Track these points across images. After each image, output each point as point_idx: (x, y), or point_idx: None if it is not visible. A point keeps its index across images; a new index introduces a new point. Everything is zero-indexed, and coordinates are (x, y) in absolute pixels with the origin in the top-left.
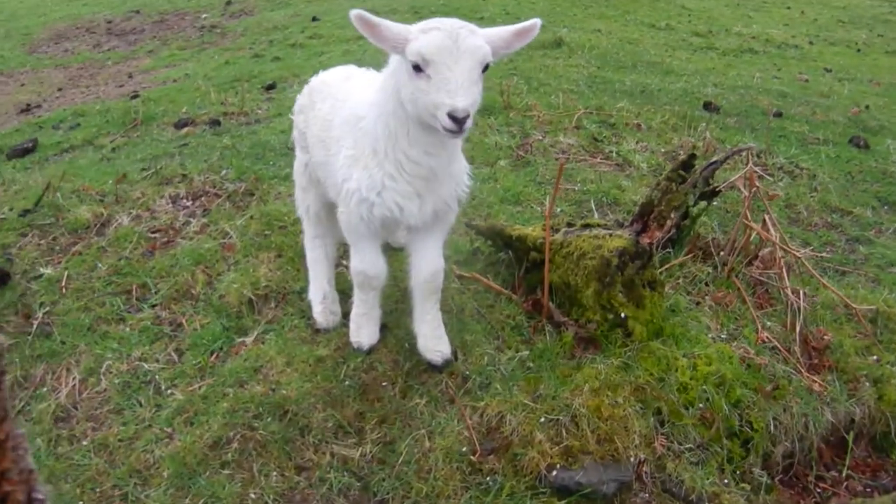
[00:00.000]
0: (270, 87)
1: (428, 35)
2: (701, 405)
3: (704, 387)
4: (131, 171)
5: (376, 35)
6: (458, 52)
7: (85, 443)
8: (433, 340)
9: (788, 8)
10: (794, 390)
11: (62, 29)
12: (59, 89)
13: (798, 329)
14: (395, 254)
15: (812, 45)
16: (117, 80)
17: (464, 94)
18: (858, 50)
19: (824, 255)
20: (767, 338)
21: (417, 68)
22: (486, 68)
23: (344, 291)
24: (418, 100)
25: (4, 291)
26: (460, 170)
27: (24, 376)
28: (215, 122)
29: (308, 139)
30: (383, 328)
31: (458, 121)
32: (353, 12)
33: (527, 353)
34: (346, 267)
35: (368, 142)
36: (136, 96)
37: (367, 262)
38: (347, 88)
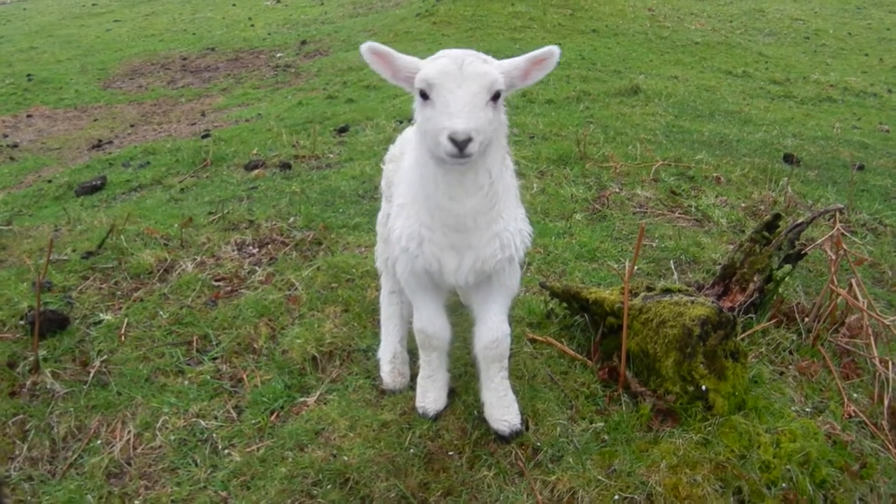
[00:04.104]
0: (343, 130)
1: (435, 62)
2: (784, 485)
3: (788, 465)
4: (198, 214)
5: (389, 66)
6: (462, 76)
7: (137, 502)
8: (499, 409)
9: (866, 55)
10: (881, 468)
11: (137, 65)
12: (132, 125)
13: (886, 402)
14: (466, 315)
15: (891, 94)
16: (190, 118)
17: (465, 116)
18: None
19: None
20: (854, 411)
21: (424, 96)
22: (497, 96)
23: (413, 352)
24: (427, 130)
25: (63, 336)
26: (507, 229)
27: (78, 427)
28: (286, 166)
29: (393, 189)
30: (451, 393)
31: (457, 144)
32: (364, 45)
33: (601, 424)
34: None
35: (412, 189)
36: (207, 135)
37: (424, 320)
38: None
